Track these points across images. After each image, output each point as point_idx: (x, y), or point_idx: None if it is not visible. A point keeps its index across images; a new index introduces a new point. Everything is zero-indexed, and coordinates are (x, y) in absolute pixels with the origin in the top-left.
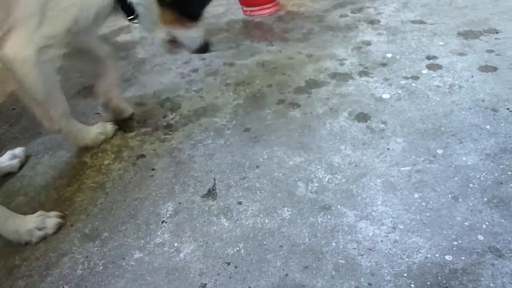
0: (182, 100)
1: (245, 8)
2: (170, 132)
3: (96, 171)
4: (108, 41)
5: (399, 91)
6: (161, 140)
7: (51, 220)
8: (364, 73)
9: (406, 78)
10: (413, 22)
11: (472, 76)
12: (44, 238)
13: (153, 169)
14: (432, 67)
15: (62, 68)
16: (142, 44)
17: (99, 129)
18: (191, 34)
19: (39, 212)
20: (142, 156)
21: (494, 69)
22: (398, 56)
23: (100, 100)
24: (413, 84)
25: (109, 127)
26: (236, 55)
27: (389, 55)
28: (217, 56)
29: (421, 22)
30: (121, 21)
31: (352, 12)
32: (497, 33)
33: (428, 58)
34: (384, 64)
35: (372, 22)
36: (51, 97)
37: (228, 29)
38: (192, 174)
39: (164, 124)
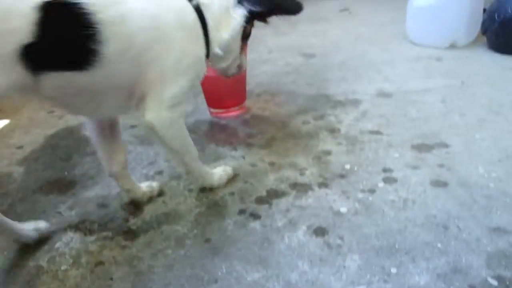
0: (145, 203)
1: (212, 110)
2: (130, 239)
3: (52, 277)
4: (76, 134)
5: (356, 205)
6: (121, 246)
7: None
8: (323, 184)
9: (363, 191)
10: (371, 132)
11: (425, 191)
12: None
13: (111, 279)
14: (388, 180)
15: (25, 160)
16: None
17: (221, 171)
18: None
19: None
20: (101, 263)
21: (445, 184)
22: (356, 168)
23: (108, 173)
24: (369, 198)
25: (229, 169)
26: (201, 158)
27: (347, 167)
28: None
29: (378, 132)
30: None
31: (314, 119)
32: (447, 147)
33: (384, 170)
34: (342, 176)
35: (332, 130)
36: (186, 146)
37: (195, 131)
38: (150, 286)
39: (125, 229)
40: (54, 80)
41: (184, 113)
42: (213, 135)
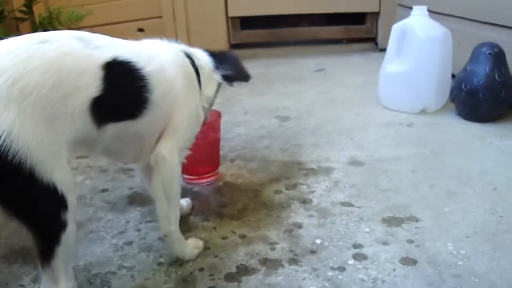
0: (112, 278)
1: (184, 176)
2: None
3: None
4: None
5: (326, 284)
6: None
7: None
8: (293, 260)
9: (333, 268)
10: (342, 204)
11: (394, 270)
12: None
13: None
14: (358, 257)
15: None
16: (79, 205)
17: (193, 244)
18: None
19: None
20: None
21: (414, 262)
22: (326, 243)
23: None
24: (339, 277)
25: (201, 243)
26: None
27: (318, 241)
28: (154, 228)
29: (350, 204)
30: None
31: (286, 189)
32: (416, 221)
33: (355, 246)
34: (313, 252)
35: (304, 201)
36: (177, 197)
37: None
38: None
39: None
40: (114, 130)
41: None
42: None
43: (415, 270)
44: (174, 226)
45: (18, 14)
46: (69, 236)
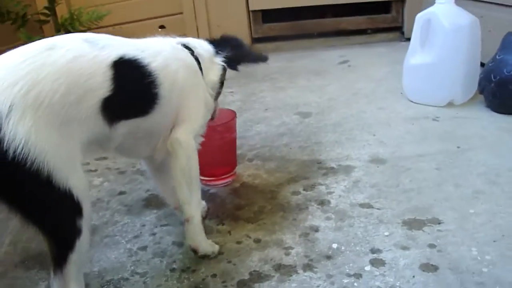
0: (125, 284)
1: (201, 177)
2: None
3: None
4: None
5: None
6: None
7: None
8: (308, 267)
9: (349, 275)
10: (361, 205)
11: (414, 277)
12: None
13: None
14: (376, 263)
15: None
16: (96, 208)
17: (210, 242)
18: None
19: None
20: None
21: (435, 268)
22: (343, 248)
23: (173, 205)
24: (355, 284)
25: (216, 247)
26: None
27: (334, 246)
28: (168, 232)
29: (369, 206)
30: None
31: (304, 189)
32: (439, 224)
33: (372, 251)
34: (328, 257)
35: (322, 203)
36: (197, 181)
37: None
38: None
39: None
40: (126, 127)
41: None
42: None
43: (436, 277)
44: (195, 211)
45: (41, 17)
46: (83, 243)
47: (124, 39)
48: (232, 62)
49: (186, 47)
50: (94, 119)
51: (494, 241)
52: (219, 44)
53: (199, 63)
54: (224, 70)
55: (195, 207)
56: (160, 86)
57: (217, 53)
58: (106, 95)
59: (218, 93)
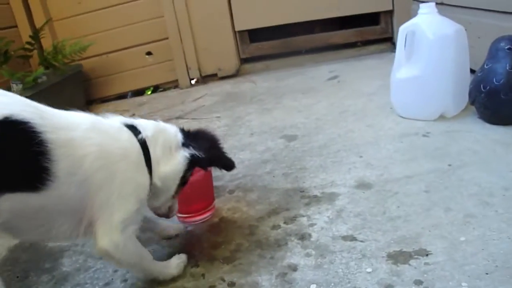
0: None
1: (178, 215)
2: None
3: None
4: (38, 245)
5: None
6: None
7: None
8: None
9: None
10: (344, 238)
11: None
12: None
13: None
14: None
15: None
16: (70, 252)
17: (177, 260)
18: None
19: None
20: None
21: None
22: None
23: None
24: None
25: (184, 256)
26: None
27: (313, 287)
28: (140, 278)
29: (352, 238)
30: None
31: (285, 222)
32: (427, 255)
33: None
34: None
35: (303, 237)
36: (141, 258)
37: (160, 241)
38: None
39: None
40: (11, 202)
41: (135, 231)
42: (176, 245)
43: None
44: (149, 272)
45: (23, 52)
46: None
47: (22, 100)
48: (200, 162)
49: (132, 127)
50: None
51: (487, 274)
52: (193, 137)
53: (146, 148)
54: (189, 166)
55: (148, 271)
56: (54, 163)
57: (184, 145)
58: None
59: (173, 185)
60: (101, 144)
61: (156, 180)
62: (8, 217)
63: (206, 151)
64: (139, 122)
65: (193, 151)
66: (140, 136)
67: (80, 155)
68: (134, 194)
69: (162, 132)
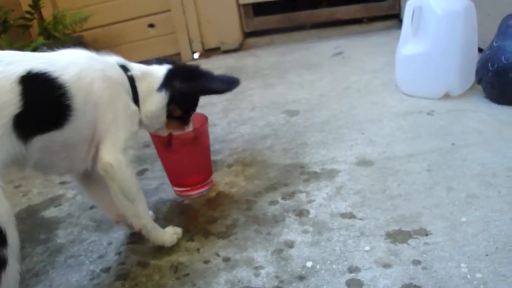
0: None
1: (175, 188)
2: None
3: None
4: (36, 215)
5: None
6: None
7: None
8: None
9: None
10: (343, 215)
11: None
12: None
13: None
14: (352, 284)
15: None
16: (66, 224)
17: (172, 231)
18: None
19: None
20: None
21: None
22: (318, 266)
23: (114, 219)
24: None
25: (179, 229)
26: (152, 252)
27: (309, 264)
28: (134, 251)
29: (351, 216)
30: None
31: (283, 198)
32: (426, 235)
33: (350, 270)
34: (301, 278)
35: (300, 213)
36: (138, 191)
37: (155, 212)
38: None
39: None
40: (40, 142)
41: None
42: (172, 219)
43: None
44: (145, 219)
45: (23, 22)
46: (9, 275)
47: (33, 54)
48: (180, 98)
49: (122, 66)
50: (7, 139)
51: (487, 255)
52: (181, 75)
53: (134, 85)
54: (170, 105)
55: (143, 216)
56: (73, 98)
57: (165, 85)
58: (17, 111)
59: (158, 120)
60: (103, 70)
61: (143, 118)
62: (39, 156)
63: (189, 87)
64: (129, 63)
65: (171, 92)
66: (129, 73)
67: (89, 81)
68: (132, 116)
69: (149, 74)
